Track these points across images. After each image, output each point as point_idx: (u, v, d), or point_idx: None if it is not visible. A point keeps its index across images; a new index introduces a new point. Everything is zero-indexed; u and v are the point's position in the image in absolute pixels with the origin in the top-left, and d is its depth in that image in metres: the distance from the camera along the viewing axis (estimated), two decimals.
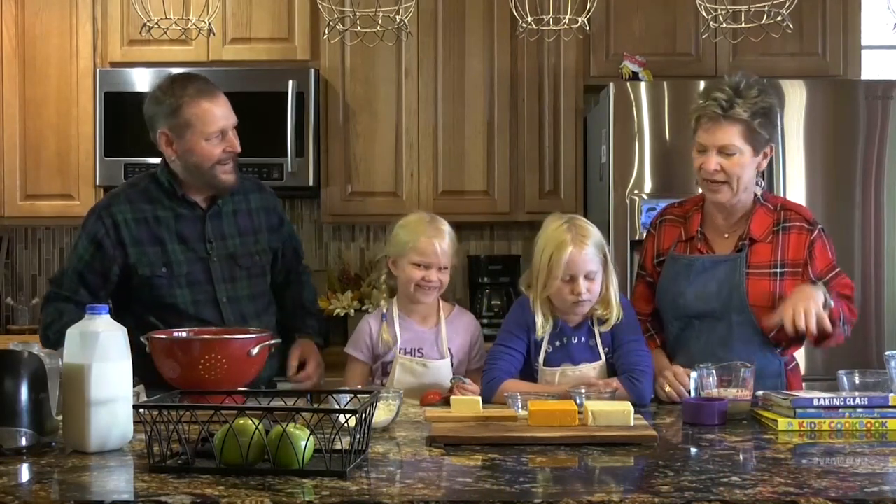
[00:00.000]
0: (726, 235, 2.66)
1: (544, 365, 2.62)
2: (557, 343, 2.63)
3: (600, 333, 2.63)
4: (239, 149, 2.69)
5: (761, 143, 2.55)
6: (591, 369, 2.60)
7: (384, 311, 2.77)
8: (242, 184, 2.79)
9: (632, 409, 2.10)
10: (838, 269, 2.62)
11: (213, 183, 2.69)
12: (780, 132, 2.69)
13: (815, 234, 2.61)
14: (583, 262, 2.57)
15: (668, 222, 2.75)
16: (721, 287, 2.60)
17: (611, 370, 2.62)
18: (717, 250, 2.65)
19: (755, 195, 2.63)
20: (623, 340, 2.62)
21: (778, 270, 2.58)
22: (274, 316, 2.86)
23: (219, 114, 2.65)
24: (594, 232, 2.64)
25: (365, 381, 2.73)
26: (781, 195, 3.74)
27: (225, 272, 2.72)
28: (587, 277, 2.58)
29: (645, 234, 2.86)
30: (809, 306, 2.39)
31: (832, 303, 2.44)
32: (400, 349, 2.71)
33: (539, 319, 2.61)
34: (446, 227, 2.75)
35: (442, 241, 2.70)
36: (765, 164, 2.61)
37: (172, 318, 2.65)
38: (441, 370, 2.69)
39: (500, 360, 2.61)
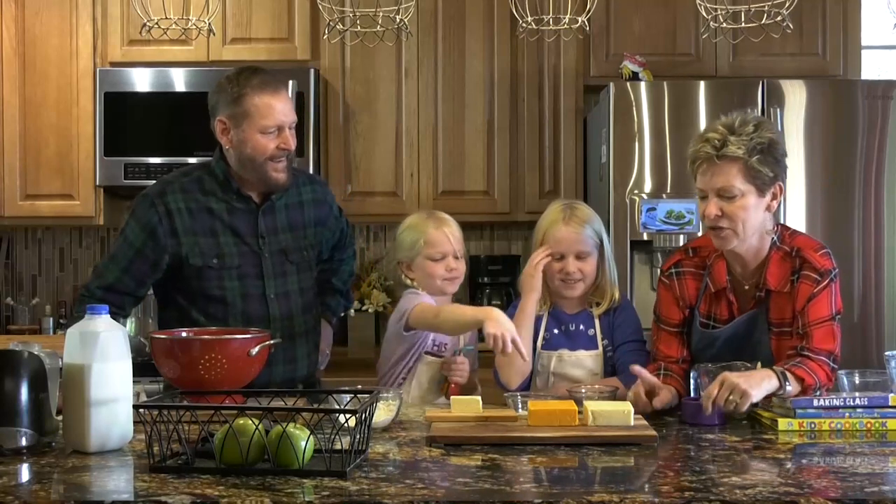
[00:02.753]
0: (746, 287, 2.46)
1: (542, 348, 2.63)
2: (556, 330, 2.64)
3: (600, 324, 2.64)
4: (293, 147, 2.67)
5: (765, 183, 2.36)
6: (587, 357, 2.62)
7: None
8: (295, 177, 2.77)
9: (632, 409, 2.10)
10: (833, 318, 2.39)
11: (263, 178, 2.66)
12: (786, 169, 2.42)
13: (821, 285, 2.38)
14: (574, 240, 2.61)
15: (688, 275, 2.53)
16: (747, 345, 2.45)
17: (608, 365, 2.62)
18: (743, 302, 2.47)
19: (771, 239, 2.43)
20: (623, 340, 2.64)
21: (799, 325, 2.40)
22: (317, 308, 2.86)
23: (278, 109, 2.63)
24: (590, 215, 2.68)
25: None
26: (782, 199, 3.74)
27: (276, 267, 2.71)
28: (578, 257, 2.61)
29: (657, 287, 2.61)
30: (740, 385, 2.17)
31: (789, 388, 2.24)
32: (433, 348, 2.72)
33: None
34: (450, 217, 2.78)
35: (450, 228, 2.73)
36: (775, 205, 2.41)
37: (218, 312, 2.64)
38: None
39: None
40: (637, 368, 2.38)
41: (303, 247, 2.77)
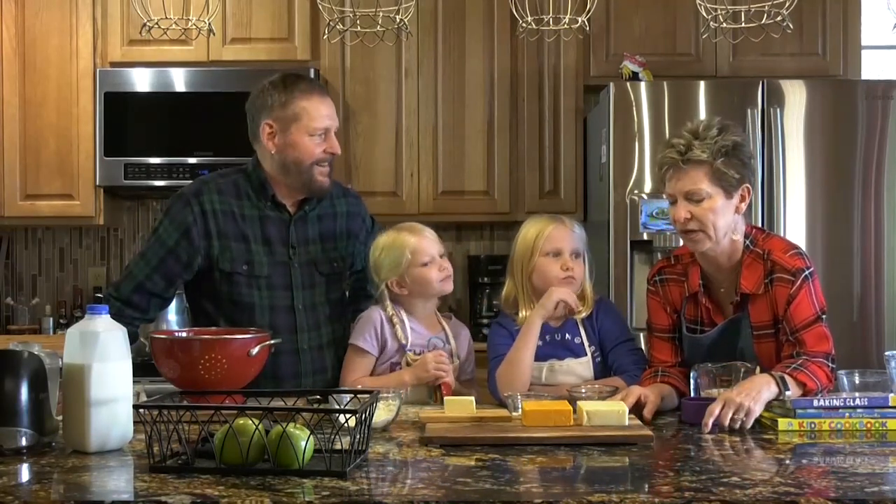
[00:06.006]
0: (721, 290, 2.48)
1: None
2: (540, 342, 2.61)
3: (585, 330, 2.64)
4: (339, 151, 2.69)
5: (732, 185, 2.37)
6: (577, 364, 2.61)
7: (389, 313, 2.69)
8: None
9: (626, 409, 2.10)
10: (819, 318, 2.38)
11: (308, 183, 2.66)
12: (754, 172, 2.45)
13: (796, 285, 2.36)
14: (569, 238, 2.63)
15: (670, 282, 2.56)
16: (734, 349, 2.45)
17: (597, 369, 2.62)
18: (724, 307, 2.49)
19: (744, 243, 2.44)
20: (615, 341, 2.63)
21: (780, 328, 2.41)
22: (347, 317, 2.83)
23: (326, 112, 2.66)
24: (577, 223, 2.72)
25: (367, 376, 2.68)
26: (781, 199, 3.76)
27: (305, 278, 2.69)
28: (573, 256, 2.62)
29: (647, 297, 2.62)
30: (744, 403, 2.18)
31: (788, 393, 2.24)
32: (410, 350, 2.68)
33: (521, 310, 2.63)
34: (419, 224, 2.76)
35: (427, 233, 2.71)
36: (743, 207, 2.41)
37: (244, 320, 2.62)
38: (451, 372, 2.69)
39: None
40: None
41: (333, 258, 2.76)
